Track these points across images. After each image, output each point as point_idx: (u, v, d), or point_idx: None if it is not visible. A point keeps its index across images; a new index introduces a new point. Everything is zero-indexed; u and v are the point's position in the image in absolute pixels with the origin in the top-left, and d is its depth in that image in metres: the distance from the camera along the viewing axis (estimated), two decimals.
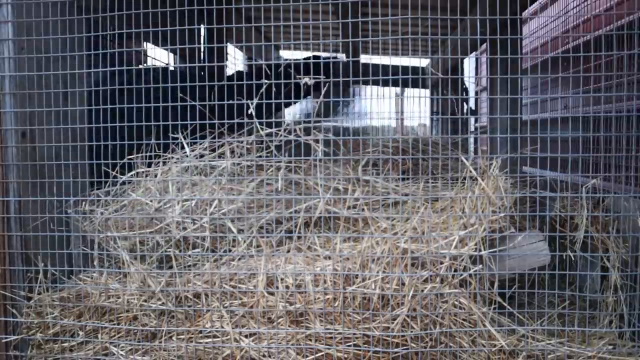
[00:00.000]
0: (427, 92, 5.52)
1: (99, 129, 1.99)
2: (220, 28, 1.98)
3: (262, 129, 2.06)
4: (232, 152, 2.14)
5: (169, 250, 2.00)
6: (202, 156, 2.17)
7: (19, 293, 1.98)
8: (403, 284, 1.77)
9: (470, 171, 1.97)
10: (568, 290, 2.27)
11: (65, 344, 1.94)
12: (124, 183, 2.11)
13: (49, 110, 2.01)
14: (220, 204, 1.99)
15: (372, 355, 1.75)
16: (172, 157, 2.16)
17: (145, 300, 1.91)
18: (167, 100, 1.88)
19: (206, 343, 1.83)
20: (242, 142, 2.09)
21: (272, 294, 1.83)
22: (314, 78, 1.94)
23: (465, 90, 5.97)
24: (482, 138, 6.48)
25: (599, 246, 2.10)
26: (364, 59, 6.35)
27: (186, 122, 2.07)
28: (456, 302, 1.80)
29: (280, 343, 1.79)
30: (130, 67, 2.16)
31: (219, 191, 2.01)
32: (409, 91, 5.86)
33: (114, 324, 1.92)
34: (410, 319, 1.76)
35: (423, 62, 6.97)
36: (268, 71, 2.02)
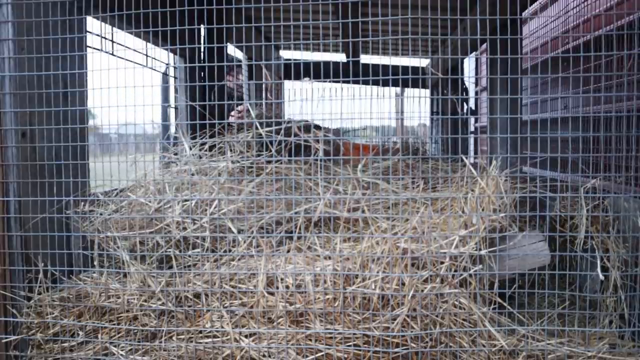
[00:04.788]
0: (427, 92, 5.52)
1: None
2: (220, 28, 1.98)
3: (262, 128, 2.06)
4: (232, 151, 2.14)
5: (169, 250, 2.00)
6: (201, 157, 2.18)
7: (19, 293, 1.98)
8: (403, 284, 1.77)
9: (470, 171, 1.97)
10: (568, 290, 2.27)
11: (65, 344, 1.94)
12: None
13: (49, 110, 2.01)
14: (220, 204, 1.99)
15: (372, 355, 1.75)
16: (172, 157, 2.16)
17: (145, 300, 1.91)
18: None
19: (206, 343, 1.83)
20: (241, 141, 2.10)
21: (272, 294, 1.83)
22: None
23: (465, 90, 5.97)
24: (482, 138, 6.49)
25: (599, 246, 2.10)
26: (364, 59, 6.36)
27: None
28: (456, 302, 1.80)
29: (280, 343, 1.79)
30: None
31: (218, 191, 2.01)
32: (409, 91, 5.87)
33: (114, 324, 1.92)
34: (410, 319, 1.76)
35: (423, 62, 6.97)
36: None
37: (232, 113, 3.61)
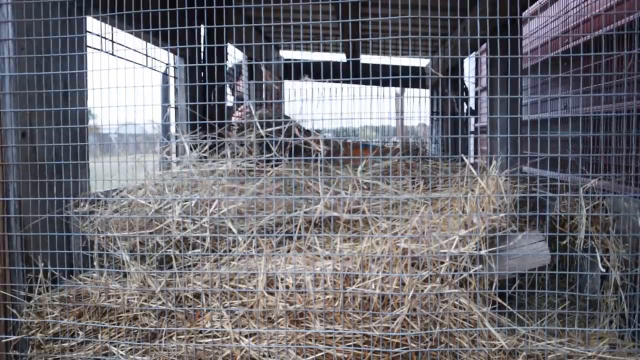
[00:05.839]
0: (427, 92, 5.52)
1: None
2: (220, 28, 1.98)
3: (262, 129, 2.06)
4: (233, 152, 2.14)
5: (169, 250, 2.00)
6: (202, 157, 2.17)
7: (19, 293, 1.98)
8: (403, 284, 1.77)
9: (471, 171, 1.97)
10: (568, 290, 2.27)
11: (65, 344, 1.94)
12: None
13: (49, 110, 2.01)
14: (220, 204, 1.99)
15: (372, 355, 1.75)
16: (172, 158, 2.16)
17: (145, 300, 1.91)
18: None
19: (206, 343, 1.83)
20: (242, 142, 2.10)
21: (272, 294, 1.83)
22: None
23: (465, 90, 5.97)
24: (482, 138, 6.49)
25: (599, 246, 2.10)
26: (364, 59, 6.35)
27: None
28: (456, 302, 1.80)
29: (280, 343, 1.79)
30: None
31: (218, 191, 2.01)
32: (409, 91, 5.87)
33: (114, 324, 1.92)
34: (410, 319, 1.76)
35: (423, 62, 6.96)
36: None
37: (235, 114, 3.64)
